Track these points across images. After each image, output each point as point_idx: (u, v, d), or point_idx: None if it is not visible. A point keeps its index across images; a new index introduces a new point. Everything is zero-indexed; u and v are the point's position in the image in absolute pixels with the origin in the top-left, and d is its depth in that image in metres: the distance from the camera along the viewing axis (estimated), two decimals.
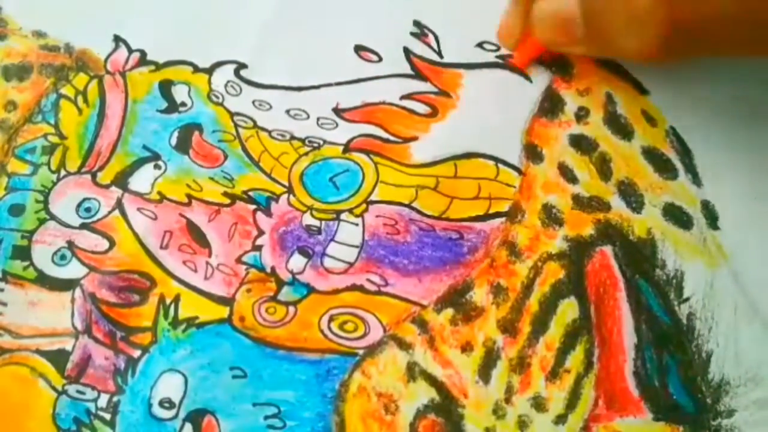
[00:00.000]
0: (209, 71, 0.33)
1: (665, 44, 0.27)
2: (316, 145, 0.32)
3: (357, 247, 0.30)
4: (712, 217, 0.30)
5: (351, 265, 0.30)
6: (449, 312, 0.28)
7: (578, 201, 0.30)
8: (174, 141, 0.32)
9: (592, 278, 0.29)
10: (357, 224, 0.30)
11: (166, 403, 0.27)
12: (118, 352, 0.28)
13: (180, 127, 0.32)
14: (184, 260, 0.30)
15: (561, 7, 0.29)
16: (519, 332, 0.28)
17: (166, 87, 0.33)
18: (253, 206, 0.31)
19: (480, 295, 0.29)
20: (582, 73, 0.32)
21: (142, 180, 0.31)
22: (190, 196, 0.31)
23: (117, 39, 0.34)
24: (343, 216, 0.30)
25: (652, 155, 0.31)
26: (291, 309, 0.29)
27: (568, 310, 0.28)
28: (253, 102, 0.33)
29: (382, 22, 0.34)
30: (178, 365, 0.28)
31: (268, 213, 0.31)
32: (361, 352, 0.28)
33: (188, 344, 0.28)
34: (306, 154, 0.32)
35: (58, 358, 0.28)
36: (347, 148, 0.32)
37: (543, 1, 0.30)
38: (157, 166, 0.32)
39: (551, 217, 0.30)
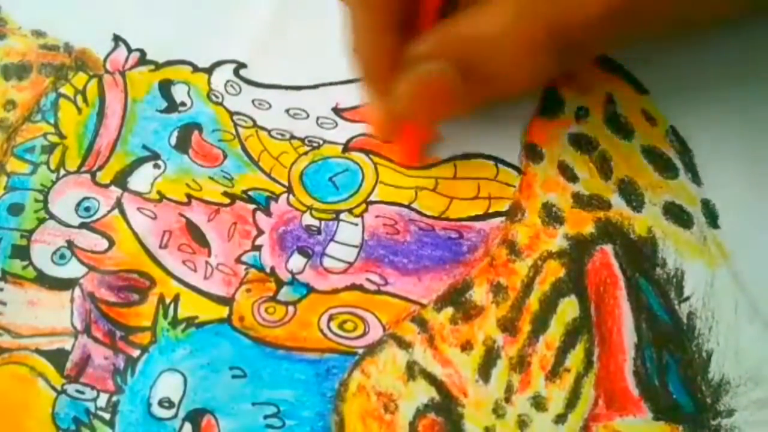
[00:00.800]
0: (209, 71, 0.33)
1: (552, 62, 0.26)
2: (315, 144, 0.32)
3: (356, 246, 0.30)
4: (712, 216, 0.30)
5: (350, 264, 0.30)
6: (449, 311, 0.28)
7: (578, 199, 0.30)
8: (173, 140, 0.32)
9: (593, 277, 0.29)
10: (356, 224, 0.30)
11: (166, 403, 0.27)
12: (118, 352, 0.28)
13: (179, 127, 0.32)
14: (183, 260, 0.30)
15: (427, 72, 0.26)
16: (519, 331, 0.28)
17: (165, 86, 0.33)
18: (253, 206, 0.31)
19: (480, 294, 0.29)
20: (582, 72, 0.32)
21: (142, 179, 0.31)
22: (189, 196, 0.31)
23: (116, 38, 0.34)
24: (342, 216, 0.30)
25: (652, 154, 0.31)
26: (290, 309, 0.29)
27: (568, 308, 0.28)
28: (253, 101, 0.33)
29: None
30: (177, 365, 0.28)
31: (267, 213, 0.31)
32: (360, 351, 0.28)
33: (188, 344, 0.28)
34: (305, 153, 0.32)
35: (57, 357, 0.28)
36: (347, 147, 0.32)
37: (401, 80, 0.27)
38: (156, 166, 0.31)
39: (551, 215, 0.30)
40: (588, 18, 0.25)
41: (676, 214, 0.30)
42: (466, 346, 0.28)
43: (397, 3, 0.27)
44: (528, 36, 0.25)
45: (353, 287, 0.29)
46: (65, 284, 0.29)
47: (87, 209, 0.31)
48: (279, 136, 0.32)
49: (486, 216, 0.30)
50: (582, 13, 0.25)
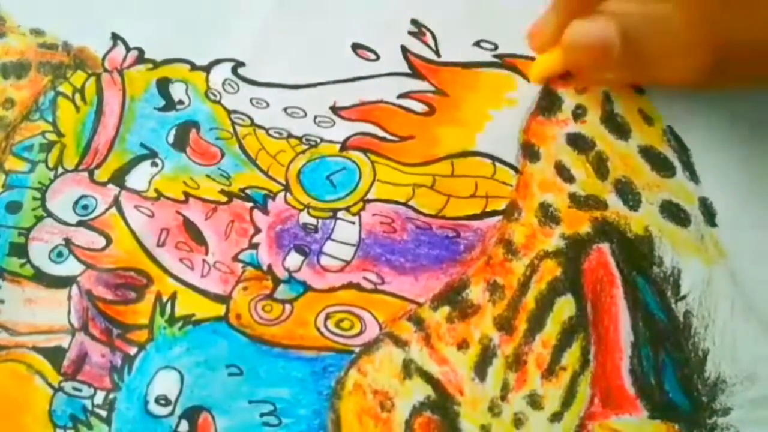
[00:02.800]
0: (207, 69, 0.33)
1: (707, 72, 0.26)
2: (313, 143, 0.32)
3: (353, 245, 0.30)
4: (709, 215, 0.30)
5: (347, 263, 0.30)
6: (445, 309, 0.28)
7: (575, 199, 0.30)
8: (171, 139, 0.32)
9: (589, 276, 0.29)
10: (354, 222, 0.30)
11: (162, 400, 0.27)
12: (115, 349, 0.28)
13: (177, 125, 0.32)
14: (180, 258, 0.30)
15: (599, 30, 0.28)
16: (515, 330, 0.28)
17: (163, 85, 0.33)
18: (250, 204, 0.31)
19: (476, 292, 0.29)
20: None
21: (139, 178, 0.31)
22: (187, 194, 0.31)
23: (115, 37, 0.34)
24: (339, 214, 0.30)
25: (649, 153, 0.31)
26: (287, 307, 0.29)
27: (564, 307, 0.28)
28: (251, 100, 0.33)
29: (380, 21, 0.34)
30: (174, 362, 0.28)
31: (264, 211, 0.31)
32: (357, 349, 0.28)
33: (184, 342, 0.28)
34: (303, 152, 0.32)
35: (54, 355, 0.28)
36: (344, 146, 0.32)
37: (578, 22, 0.28)
38: (154, 164, 0.32)
39: (548, 215, 0.30)
40: (754, 43, 0.26)
41: (673, 213, 0.30)
42: (463, 345, 0.28)
43: None
44: (696, 37, 0.26)
45: (350, 286, 0.29)
46: (63, 282, 0.30)
47: (85, 207, 0.31)
48: (277, 135, 0.32)
49: (483, 215, 0.30)
50: (750, 35, 0.26)
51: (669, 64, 0.27)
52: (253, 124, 0.32)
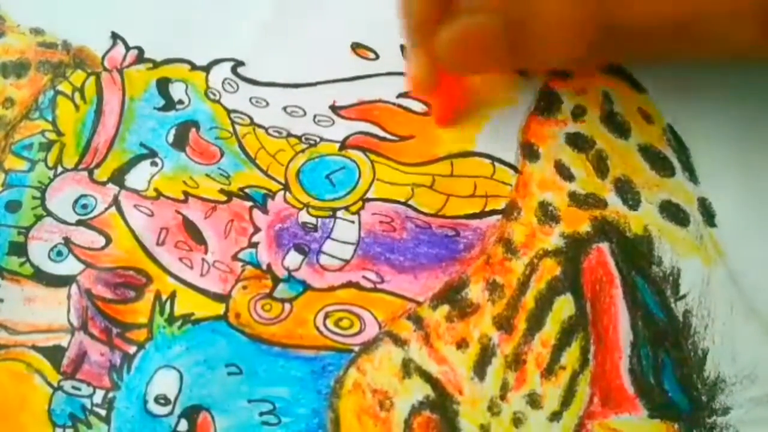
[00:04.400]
0: (206, 69, 0.33)
1: (595, 47, 0.26)
2: (312, 142, 0.32)
3: (353, 244, 0.30)
4: (708, 215, 0.30)
5: (347, 262, 0.30)
6: (445, 309, 0.28)
7: (575, 198, 0.30)
8: (171, 138, 0.32)
9: (588, 275, 0.29)
10: (353, 222, 0.30)
11: (162, 400, 0.27)
12: (114, 349, 0.28)
13: (177, 125, 0.32)
14: (180, 257, 0.30)
15: (474, 25, 0.27)
16: (514, 329, 0.28)
17: (163, 84, 0.33)
18: (250, 203, 0.31)
19: (476, 291, 0.29)
20: (578, 71, 0.32)
21: (139, 177, 0.31)
22: (186, 193, 0.31)
23: (114, 36, 0.34)
24: (339, 213, 0.30)
25: (648, 153, 0.31)
26: (287, 306, 0.29)
27: (563, 306, 0.28)
28: (250, 99, 0.33)
29: (380, 20, 0.34)
30: (173, 362, 0.28)
31: (264, 210, 0.31)
32: (356, 348, 0.28)
33: (184, 341, 0.28)
34: (302, 151, 0.32)
35: (53, 354, 0.28)
36: (344, 145, 0.32)
37: (447, 26, 0.27)
38: (153, 163, 0.32)
39: (547, 214, 0.30)
40: (633, 20, 0.25)
41: (673, 213, 0.30)
42: (462, 344, 0.28)
43: None
44: (577, 8, 0.25)
45: (349, 285, 0.29)
46: (62, 281, 0.29)
47: (84, 206, 0.31)
48: (276, 134, 0.32)
49: (482, 214, 0.30)
50: (628, 14, 0.25)
51: (555, 43, 0.26)
52: (252, 123, 0.32)
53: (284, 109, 0.33)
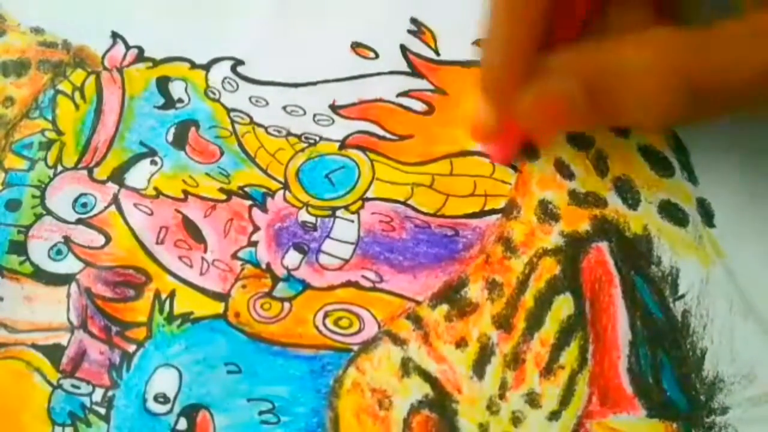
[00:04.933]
0: (206, 67, 0.33)
1: (680, 115, 0.25)
2: (312, 141, 0.32)
3: (352, 243, 0.30)
4: (707, 215, 0.30)
5: (346, 261, 0.30)
6: (444, 308, 0.28)
7: (574, 197, 0.30)
8: (170, 137, 0.32)
9: (588, 274, 0.29)
10: (353, 221, 0.30)
11: (161, 398, 0.27)
12: (113, 347, 0.28)
13: (177, 123, 0.32)
14: (179, 256, 0.30)
15: (557, 87, 0.26)
16: (513, 328, 0.28)
17: (163, 83, 0.33)
18: (249, 202, 0.31)
19: (475, 290, 0.29)
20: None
21: (139, 176, 0.31)
22: (186, 192, 0.31)
23: (114, 35, 0.34)
24: (338, 213, 0.30)
25: (648, 153, 0.31)
26: (286, 305, 0.29)
27: (563, 306, 0.28)
28: (250, 98, 0.33)
29: (380, 19, 0.34)
30: (172, 360, 0.28)
31: (263, 209, 0.31)
32: (355, 347, 0.28)
33: (183, 339, 0.28)
34: (302, 150, 0.32)
35: (53, 352, 0.28)
36: (343, 144, 0.32)
37: (532, 86, 0.27)
38: (153, 162, 0.32)
39: (547, 212, 0.30)
40: (728, 85, 0.25)
41: (672, 213, 0.30)
42: (461, 343, 0.28)
43: (541, 17, 0.26)
44: (664, 80, 0.25)
45: (349, 284, 0.29)
46: (62, 280, 0.30)
47: (84, 205, 0.31)
48: (276, 133, 0.32)
49: (482, 213, 0.30)
50: (724, 79, 0.25)
51: (638, 110, 0.26)
52: (252, 122, 0.32)
53: (284, 108, 0.33)
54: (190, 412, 0.27)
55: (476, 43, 0.33)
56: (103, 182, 0.31)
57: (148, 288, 0.29)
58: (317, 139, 0.32)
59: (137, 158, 0.32)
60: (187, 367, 0.28)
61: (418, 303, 0.29)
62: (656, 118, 0.26)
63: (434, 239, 0.30)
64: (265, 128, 0.32)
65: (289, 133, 0.32)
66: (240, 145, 0.32)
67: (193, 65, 0.34)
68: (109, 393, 0.28)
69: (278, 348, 0.28)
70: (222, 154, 0.32)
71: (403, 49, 0.33)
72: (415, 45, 0.34)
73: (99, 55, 0.34)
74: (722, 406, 0.27)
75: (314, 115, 0.32)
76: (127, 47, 0.34)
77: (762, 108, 0.27)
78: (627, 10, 0.28)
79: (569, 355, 0.27)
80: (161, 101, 0.33)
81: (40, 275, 0.30)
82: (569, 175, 0.30)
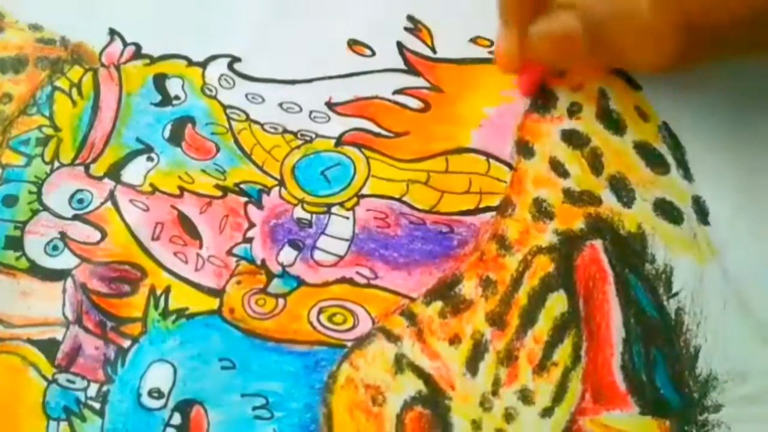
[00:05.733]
0: (203, 65, 0.34)
1: (678, 53, 0.26)
2: (308, 138, 0.32)
3: (347, 240, 0.30)
4: (702, 213, 0.30)
5: (341, 258, 0.30)
6: (438, 305, 0.28)
7: (569, 195, 0.30)
8: (167, 134, 0.32)
9: (582, 272, 0.29)
10: (348, 217, 0.30)
11: (155, 393, 0.28)
12: (108, 342, 0.28)
13: (173, 120, 0.32)
14: (175, 251, 0.30)
15: (561, 24, 0.28)
16: (507, 325, 0.28)
17: (160, 80, 0.33)
18: (245, 199, 0.31)
19: (469, 288, 0.29)
20: (575, 68, 0.32)
21: (135, 172, 0.31)
22: (182, 188, 0.31)
23: (112, 32, 0.35)
24: (334, 209, 0.31)
25: (644, 150, 0.31)
26: (281, 301, 0.29)
27: (556, 303, 0.28)
28: (246, 95, 0.33)
29: (376, 17, 0.34)
30: (167, 355, 0.28)
31: (259, 205, 0.31)
32: (349, 344, 0.28)
33: (178, 335, 0.28)
34: (298, 147, 0.32)
35: (48, 347, 0.28)
36: (339, 141, 0.32)
37: (539, 21, 0.29)
38: (149, 159, 0.32)
39: (542, 210, 0.30)
40: (732, 16, 0.25)
41: (667, 210, 0.30)
42: (455, 340, 0.28)
43: None
44: (664, 20, 0.26)
45: (343, 280, 0.29)
46: (58, 275, 0.30)
47: (80, 201, 0.31)
48: (272, 130, 0.32)
49: (477, 211, 0.30)
50: (726, 10, 0.25)
51: (638, 49, 0.27)
52: (248, 119, 0.32)
53: (280, 105, 0.33)
54: (184, 407, 0.27)
55: (473, 40, 0.33)
56: (99, 178, 0.31)
57: (144, 284, 0.29)
58: (313, 136, 0.32)
59: (134, 155, 0.32)
60: (181, 363, 0.28)
61: (412, 300, 0.29)
62: (654, 57, 0.27)
63: (429, 236, 0.30)
64: (262, 125, 0.32)
65: (285, 130, 0.32)
66: (236, 141, 0.32)
67: (190, 62, 0.34)
68: (104, 388, 0.28)
69: (272, 344, 0.28)
70: (218, 150, 0.32)
71: (400, 46, 0.33)
72: (412, 42, 0.34)
73: (96, 51, 0.34)
74: (715, 403, 0.27)
75: (310, 112, 0.32)
76: (125, 44, 0.34)
77: (751, 50, 0.27)
78: None
79: (563, 352, 0.27)
80: (158, 98, 0.33)
81: (36, 271, 0.30)
82: (564, 174, 0.30)
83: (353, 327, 0.28)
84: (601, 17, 0.27)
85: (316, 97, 0.33)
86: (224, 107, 0.33)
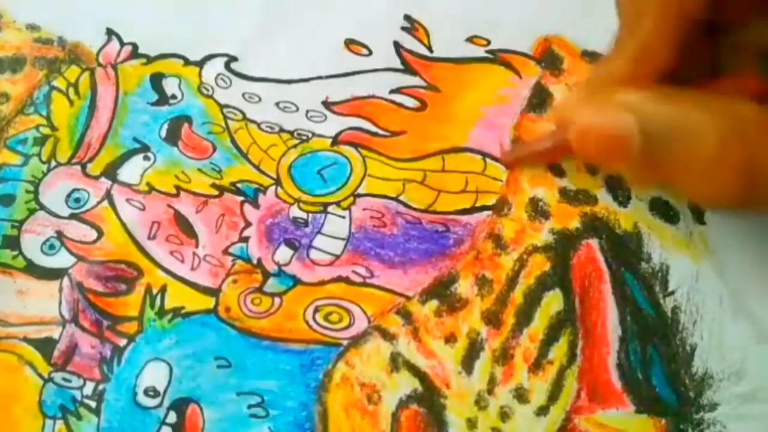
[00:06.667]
0: (200, 64, 0.34)
1: (734, 196, 0.23)
2: (304, 137, 0.32)
3: (343, 239, 0.30)
4: (697, 213, 0.30)
5: (337, 257, 0.30)
6: (434, 303, 0.28)
7: (565, 194, 0.30)
8: (164, 133, 0.32)
9: (578, 271, 0.29)
10: (344, 217, 0.30)
11: (151, 392, 0.28)
12: (105, 341, 0.28)
13: (170, 119, 0.32)
14: (171, 251, 0.30)
15: (617, 123, 0.24)
16: (503, 324, 0.28)
17: (156, 80, 0.33)
18: (241, 198, 0.31)
19: (465, 286, 0.29)
20: (571, 67, 0.32)
21: (132, 171, 0.31)
22: (178, 188, 0.31)
23: (109, 32, 0.35)
24: (330, 208, 0.31)
25: None
26: (276, 300, 0.29)
27: (552, 302, 0.28)
28: (243, 94, 0.33)
29: (373, 16, 0.34)
30: (163, 354, 0.28)
31: (255, 205, 0.31)
32: (345, 342, 0.28)
33: (174, 334, 0.28)
34: (294, 146, 0.32)
35: (45, 346, 0.28)
36: (336, 141, 0.32)
37: (591, 109, 0.25)
38: (146, 158, 0.32)
39: (538, 210, 0.30)
40: None
41: (663, 210, 0.30)
42: (450, 339, 0.28)
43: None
44: (728, 154, 0.23)
45: (339, 279, 0.29)
46: (54, 274, 0.30)
47: (77, 200, 0.31)
48: (268, 129, 0.32)
49: (473, 210, 0.30)
50: None
51: (693, 179, 0.24)
52: (245, 118, 0.32)
53: (277, 104, 0.33)
54: (180, 405, 0.27)
55: (469, 39, 0.33)
56: (96, 177, 0.31)
57: (140, 282, 0.29)
58: (310, 135, 0.32)
59: (130, 154, 0.32)
60: (177, 362, 0.28)
61: (408, 298, 0.29)
62: (709, 190, 0.24)
63: (425, 235, 0.30)
64: (258, 124, 0.32)
65: (281, 130, 0.32)
66: (232, 141, 0.32)
67: (187, 62, 0.34)
68: (100, 386, 0.28)
69: (268, 342, 0.28)
70: (214, 150, 0.32)
71: (397, 45, 0.33)
72: (409, 42, 0.34)
73: (94, 51, 0.34)
74: (711, 402, 0.27)
75: (307, 112, 0.32)
76: (122, 44, 0.34)
77: None
78: (738, 53, 0.26)
79: (558, 351, 0.27)
80: (155, 97, 0.33)
81: (33, 269, 0.30)
82: (560, 173, 0.30)
83: (349, 326, 0.28)
84: (663, 133, 0.23)
85: (313, 96, 0.33)
86: (221, 106, 0.33)
